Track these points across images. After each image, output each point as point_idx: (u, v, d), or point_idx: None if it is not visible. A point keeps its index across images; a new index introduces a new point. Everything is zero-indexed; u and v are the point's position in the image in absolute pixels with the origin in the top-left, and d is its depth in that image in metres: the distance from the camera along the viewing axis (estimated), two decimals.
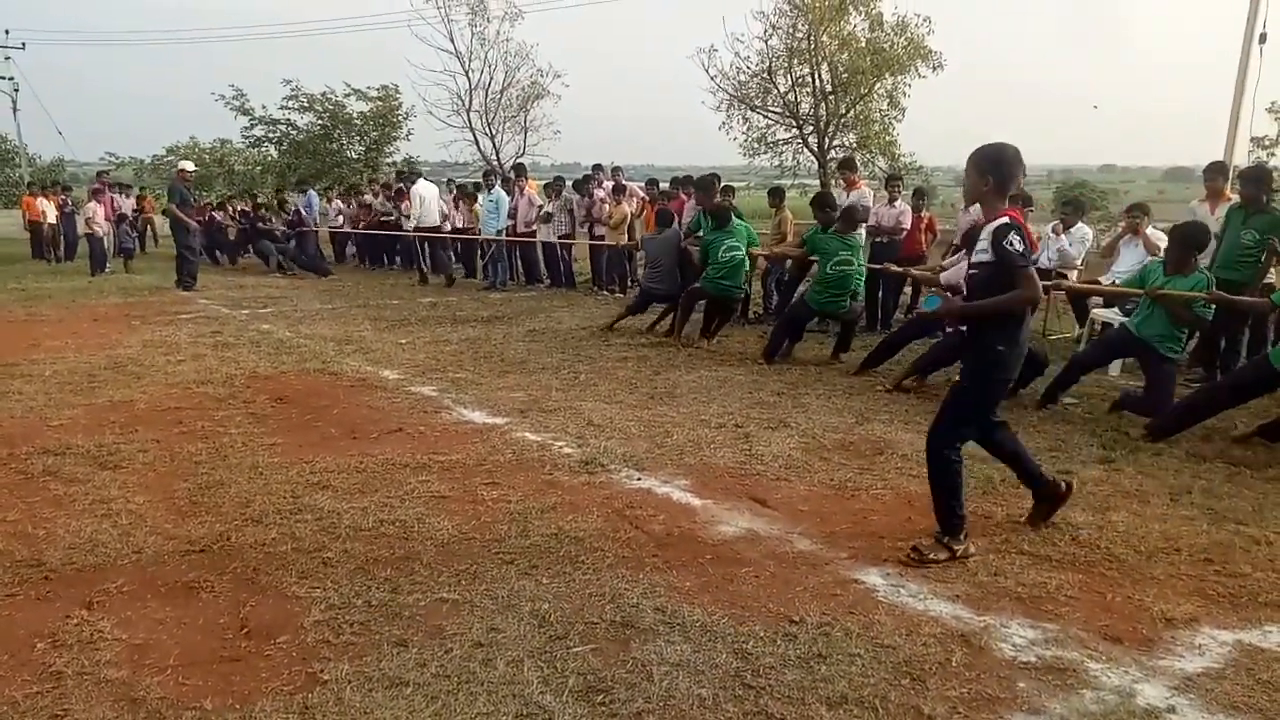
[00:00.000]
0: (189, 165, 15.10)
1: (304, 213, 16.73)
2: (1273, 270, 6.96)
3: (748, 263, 8.87)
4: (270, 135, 26.12)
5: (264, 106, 25.78)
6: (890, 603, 3.41)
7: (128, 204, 19.61)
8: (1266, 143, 12.11)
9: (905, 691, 2.80)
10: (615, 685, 2.83)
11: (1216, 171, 7.81)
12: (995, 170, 3.71)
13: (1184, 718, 2.69)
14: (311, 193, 17.62)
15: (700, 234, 8.98)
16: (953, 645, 3.09)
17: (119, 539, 3.97)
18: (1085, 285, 8.03)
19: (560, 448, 5.33)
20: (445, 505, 4.39)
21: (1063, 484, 4.12)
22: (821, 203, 8.51)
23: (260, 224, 16.85)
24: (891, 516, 4.29)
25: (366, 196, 17.02)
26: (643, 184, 13.22)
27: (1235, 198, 7.70)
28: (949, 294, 6.94)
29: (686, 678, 2.87)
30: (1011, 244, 3.63)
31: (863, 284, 8.20)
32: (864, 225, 9.67)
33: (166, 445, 5.34)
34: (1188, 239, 5.96)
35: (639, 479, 4.80)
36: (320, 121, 25.60)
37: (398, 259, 16.48)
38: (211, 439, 5.48)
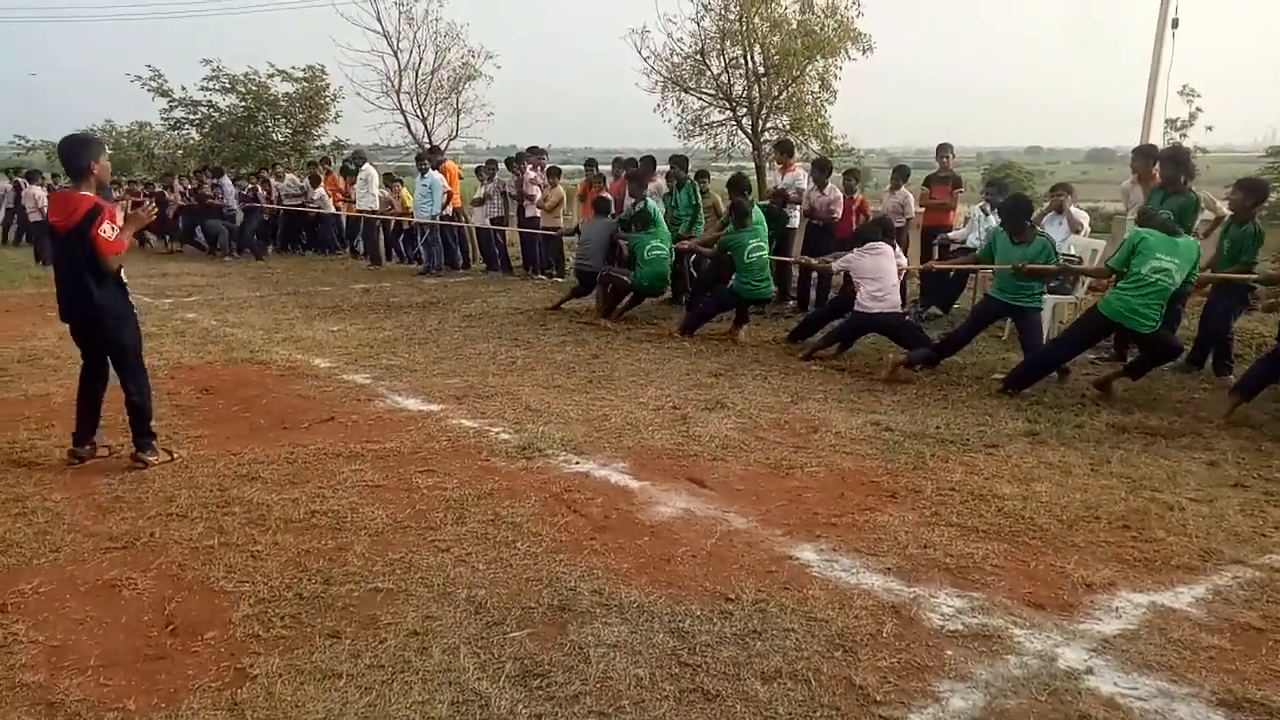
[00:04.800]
0: None
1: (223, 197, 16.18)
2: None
3: (671, 256, 9.20)
4: (191, 117, 25.15)
5: (183, 88, 24.82)
6: (824, 577, 3.47)
7: (41, 192, 18.70)
8: (1179, 124, 12.54)
9: (838, 663, 2.86)
10: (552, 669, 2.83)
11: (1145, 155, 8.07)
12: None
13: (1101, 678, 2.80)
14: (226, 178, 16.92)
15: (629, 232, 9.28)
16: (884, 617, 3.16)
17: (34, 538, 3.82)
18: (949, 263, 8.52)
19: (497, 433, 5.29)
20: (379, 494, 4.32)
21: None
22: (736, 187, 8.81)
23: (212, 200, 16.17)
24: (825, 493, 4.36)
25: (274, 181, 16.50)
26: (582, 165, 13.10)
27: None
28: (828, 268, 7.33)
29: (624, 658, 2.88)
30: None
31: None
32: (796, 209, 9.79)
33: None
34: (1017, 211, 6.59)
35: (577, 463, 4.79)
36: (243, 103, 24.74)
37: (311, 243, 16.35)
38: None
